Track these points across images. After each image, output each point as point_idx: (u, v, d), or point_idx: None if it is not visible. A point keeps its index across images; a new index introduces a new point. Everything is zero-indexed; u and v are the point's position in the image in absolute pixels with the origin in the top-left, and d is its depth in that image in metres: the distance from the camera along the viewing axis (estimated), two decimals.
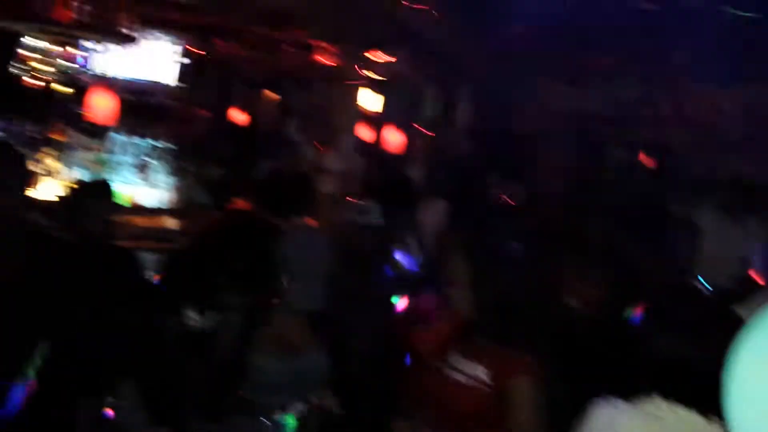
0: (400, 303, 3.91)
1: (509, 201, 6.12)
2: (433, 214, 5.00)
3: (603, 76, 8.01)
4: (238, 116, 8.61)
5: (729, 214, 5.06)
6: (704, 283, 3.97)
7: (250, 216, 4.29)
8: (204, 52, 7.29)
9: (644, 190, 7.77)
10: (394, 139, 7.95)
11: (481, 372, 2.58)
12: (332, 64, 7.82)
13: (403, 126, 8.12)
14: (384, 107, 8.00)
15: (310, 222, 4.29)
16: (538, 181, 7.76)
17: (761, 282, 3.82)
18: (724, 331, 1.40)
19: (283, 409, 2.61)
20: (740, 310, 2.04)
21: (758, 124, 7.29)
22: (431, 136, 8.50)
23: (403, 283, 4.05)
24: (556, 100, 8.60)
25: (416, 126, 8.40)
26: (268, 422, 2.55)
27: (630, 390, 1.90)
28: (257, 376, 2.64)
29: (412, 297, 3.75)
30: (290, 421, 2.57)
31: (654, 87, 7.81)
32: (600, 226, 5.12)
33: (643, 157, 8.54)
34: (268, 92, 9.10)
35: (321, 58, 7.82)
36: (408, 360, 3.04)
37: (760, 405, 1.15)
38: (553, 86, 8.61)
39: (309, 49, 7.77)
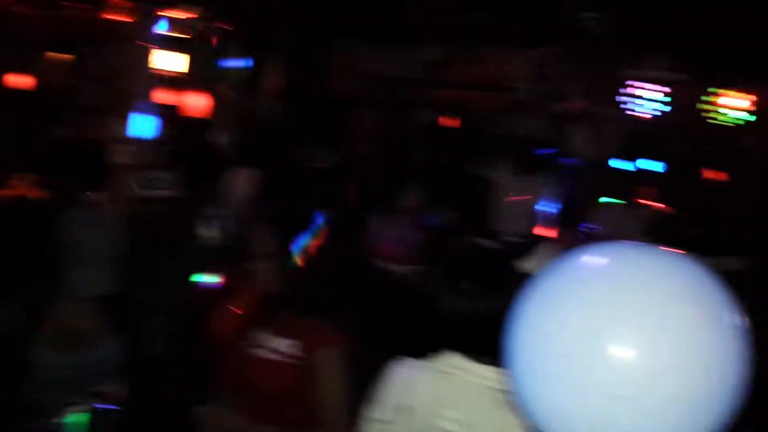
0: (204, 280, 3.74)
1: (320, 167, 6.07)
2: (239, 184, 4.82)
3: (408, 39, 8.17)
4: (21, 81, 7.85)
5: (520, 172, 5.36)
6: (496, 238, 4.20)
7: (30, 195, 3.93)
8: None
9: (446, 151, 8.09)
10: (196, 103, 7.59)
11: (289, 346, 2.52)
12: (126, 21, 7.29)
13: (207, 89, 7.76)
14: (185, 69, 7.57)
15: (102, 197, 3.98)
16: (350, 146, 7.80)
17: (545, 236, 4.11)
18: (510, 284, 1.44)
19: (70, 406, 2.39)
20: (526, 264, 2.13)
21: (548, 84, 7.82)
22: (237, 100, 8.22)
23: (207, 258, 3.87)
24: (364, 63, 8.66)
25: (221, 89, 8.07)
26: (52, 423, 2.32)
27: (426, 348, 1.93)
28: (40, 373, 2.40)
29: (216, 273, 3.60)
30: (78, 419, 2.37)
31: (452, 50, 8.10)
32: (410, 188, 5.24)
33: (444, 118, 8.88)
34: (54, 54, 8.33)
35: (113, 16, 7.27)
36: (211, 340, 2.91)
37: (540, 353, 1.21)
38: (361, 49, 8.66)
39: (100, 5, 7.20)
